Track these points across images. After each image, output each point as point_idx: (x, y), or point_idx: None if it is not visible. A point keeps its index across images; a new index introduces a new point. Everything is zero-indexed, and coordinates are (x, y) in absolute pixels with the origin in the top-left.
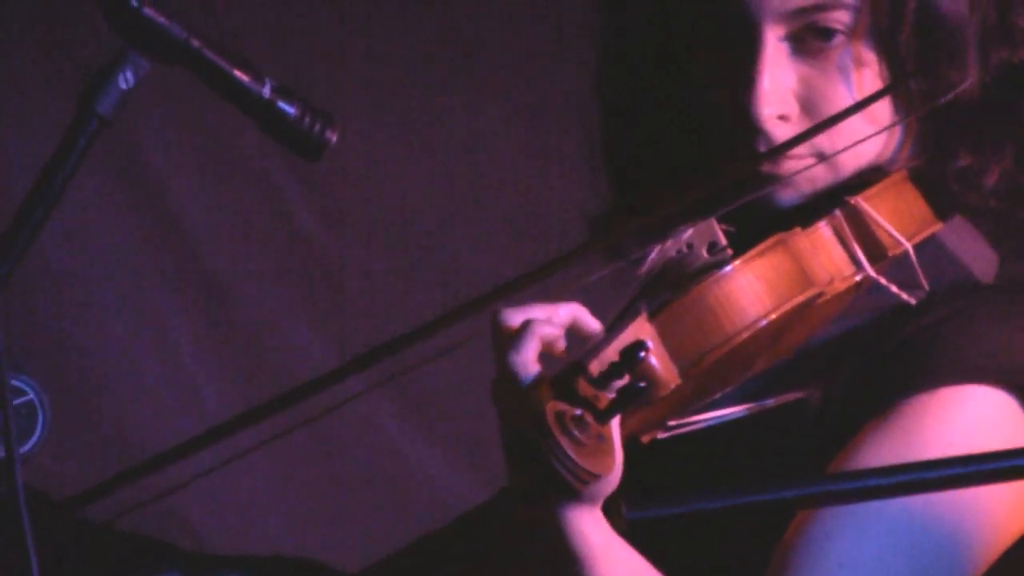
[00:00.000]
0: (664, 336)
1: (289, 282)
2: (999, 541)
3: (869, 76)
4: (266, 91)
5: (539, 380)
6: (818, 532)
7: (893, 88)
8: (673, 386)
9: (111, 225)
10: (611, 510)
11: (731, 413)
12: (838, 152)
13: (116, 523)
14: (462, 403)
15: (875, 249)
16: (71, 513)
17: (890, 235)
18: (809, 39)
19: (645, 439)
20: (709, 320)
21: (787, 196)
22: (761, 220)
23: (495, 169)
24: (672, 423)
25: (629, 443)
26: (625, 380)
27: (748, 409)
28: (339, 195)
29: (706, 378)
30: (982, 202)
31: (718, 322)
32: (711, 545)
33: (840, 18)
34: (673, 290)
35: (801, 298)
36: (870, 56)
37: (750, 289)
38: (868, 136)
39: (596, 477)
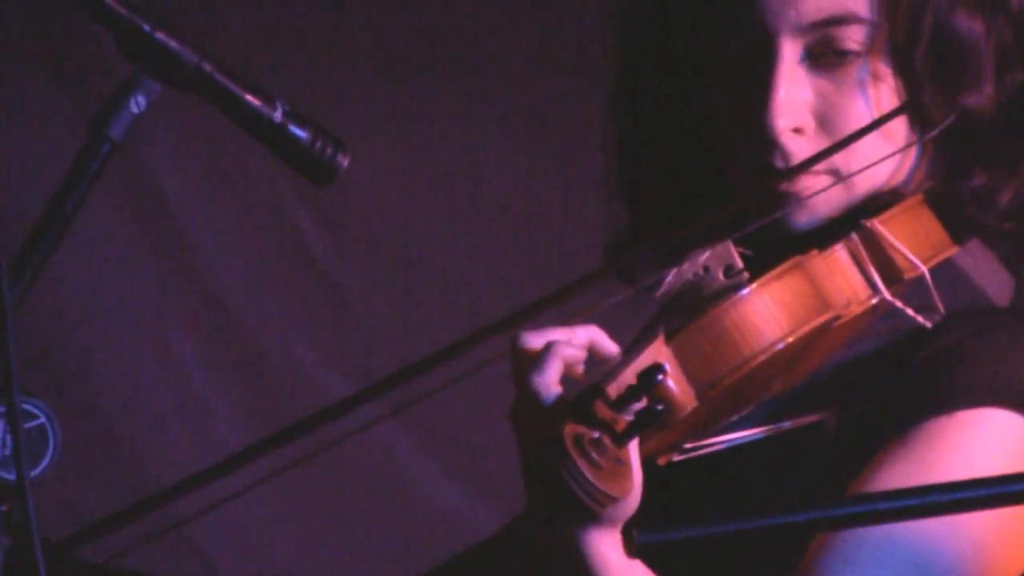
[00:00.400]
0: (681, 359)
1: (298, 306)
2: (1017, 564)
3: (885, 92)
4: (277, 115)
5: (559, 402)
6: (835, 557)
7: (903, 111)
8: (690, 409)
9: (122, 249)
10: (623, 533)
11: (747, 436)
12: (854, 173)
13: (130, 554)
14: (474, 430)
15: (891, 272)
16: (84, 549)
17: (906, 258)
18: (825, 53)
19: (661, 461)
20: (726, 343)
21: (803, 218)
22: (777, 243)
23: (505, 193)
24: (688, 445)
25: (645, 465)
26: (643, 403)
27: (764, 432)
28: (347, 220)
29: (723, 401)
30: (997, 224)
31: (735, 345)
32: (727, 569)
33: (856, 33)
34: (690, 313)
35: (818, 321)
36: (886, 72)
37: (767, 312)
38: (884, 156)
39: (614, 500)
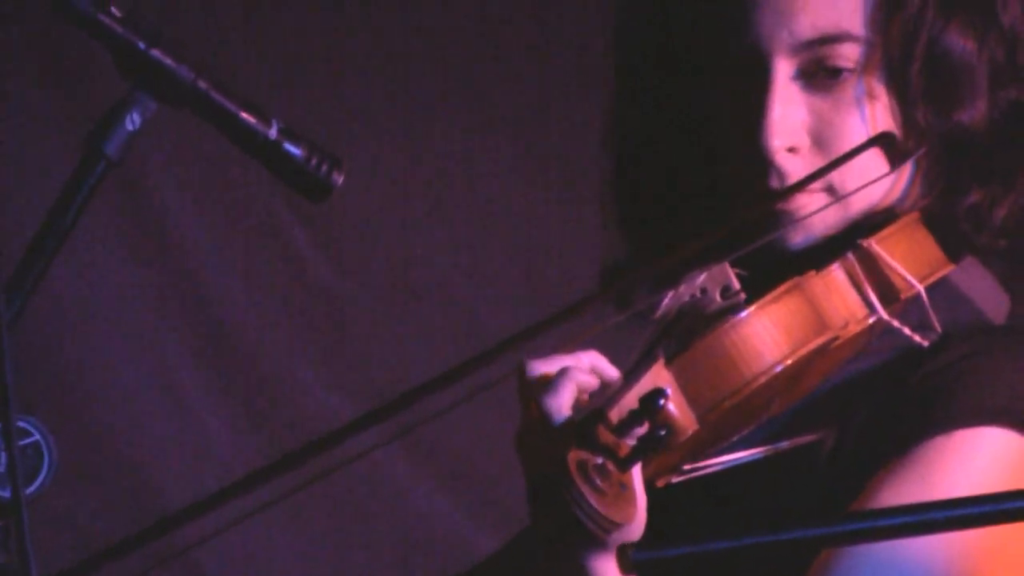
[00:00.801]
0: (681, 382)
1: (296, 324)
2: None
3: (879, 110)
4: (272, 132)
5: (567, 427)
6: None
7: (878, 143)
8: (691, 432)
9: (118, 266)
10: (618, 550)
11: (746, 456)
12: (850, 192)
13: None
14: (474, 451)
15: (888, 292)
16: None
17: (902, 277)
18: (819, 72)
19: (660, 483)
20: (726, 365)
21: (799, 238)
22: (774, 263)
23: (506, 216)
24: (687, 467)
25: (645, 487)
26: (645, 427)
27: (763, 452)
28: (348, 242)
29: (723, 423)
30: (993, 242)
31: (735, 367)
32: None
33: (850, 51)
34: (689, 336)
35: (817, 342)
36: (880, 90)
37: (766, 334)
38: (863, 185)
39: (618, 525)
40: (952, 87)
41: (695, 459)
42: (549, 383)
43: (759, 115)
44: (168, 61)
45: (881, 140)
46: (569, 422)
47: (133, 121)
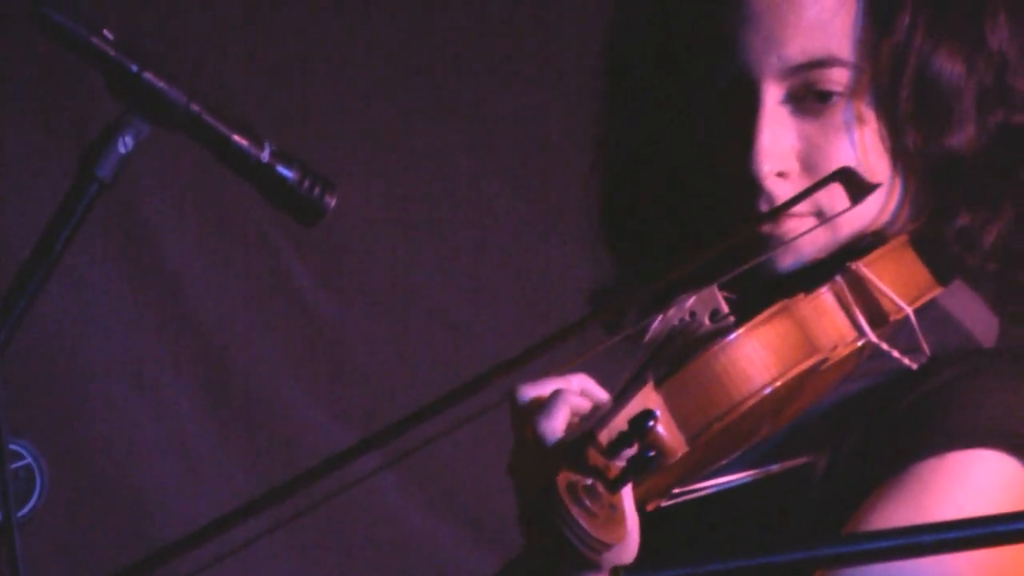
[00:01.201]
0: (671, 405)
1: (290, 348)
2: None
3: (868, 134)
4: (265, 155)
5: (558, 449)
6: None
7: (836, 179)
8: (681, 454)
9: (111, 290)
10: (611, 573)
11: (736, 479)
12: (838, 213)
13: None
14: (469, 477)
15: (877, 314)
16: None
17: (891, 300)
18: (808, 97)
19: (650, 507)
20: (715, 388)
21: (788, 261)
22: (763, 286)
23: (499, 240)
24: (677, 490)
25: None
26: (634, 449)
27: (753, 475)
28: (342, 266)
29: (713, 445)
30: (981, 264)
31: (724, 390)
32: None
33: (839, 76)
34: (678, 359)
35: (806, 365)
36: (869, 114)
37: (755, 356)
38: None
39: (608, 546)
40: (941, 111)
41: (685, 482)
42: (543, 406)
43: (748, 140)
44: (160, 84)
45: (841, 175)
46: (560, 444)
47: (125, 144)
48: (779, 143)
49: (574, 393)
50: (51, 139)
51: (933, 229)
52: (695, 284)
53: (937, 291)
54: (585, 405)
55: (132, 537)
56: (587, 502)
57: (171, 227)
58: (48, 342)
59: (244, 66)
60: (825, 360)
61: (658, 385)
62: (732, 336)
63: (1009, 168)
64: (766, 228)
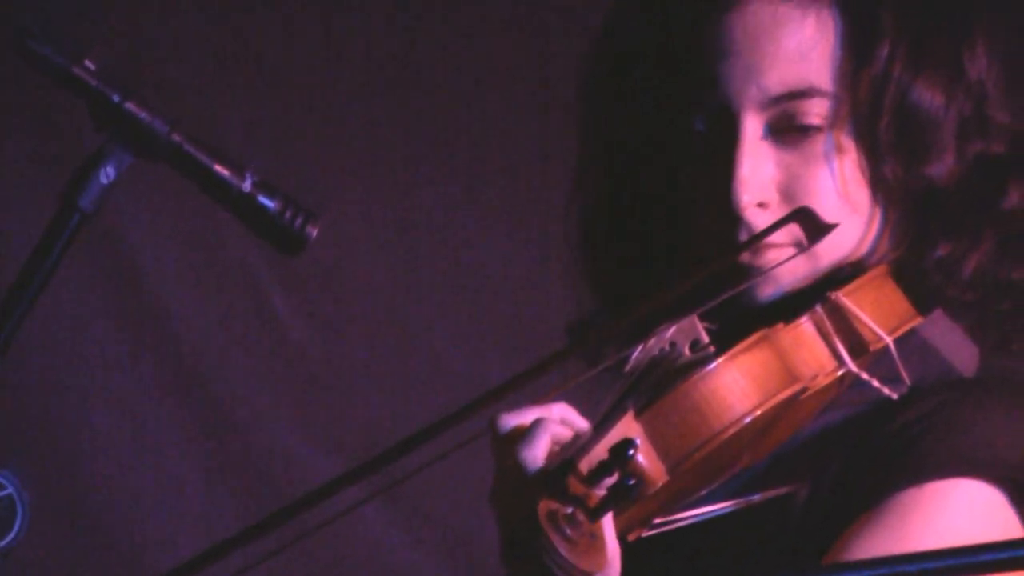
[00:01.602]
0: (651, 434)
1: (273, 383)
2: None
3: (848, 165)
4: (247, 185)
5: (539, 477)
6: None
7: (796, 218)
8: (661, 483)
9: (94, 321)
10: None
11: (717, 509)
12: (820, 237)
13: None
14: (451, 507)
15: (857, 344)
16: None
17: (871, 330)
18: (788, 127)
19: (631, 537)
20: (695, 417)
21: (768, 291)
22: (743, 316)
23: (480, 271)
24: (658, 520)
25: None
26: (615, 478)
27: (734, 505)
28: (324, 296)
29: (693, 475)
30: (961, 294)
31: (704, 419)
32: None
33: (819, 107)
34: (659, 388)
35: (786, 394)
36: (849, 145)
37: (735, 386)
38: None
39: (588, 574)
40: (920, 141)
41: (666, 512)
42: (523, 435)
43: (728, 170)
44: (142, 114)
45: (799, 215)
46: (541, 472)
47: (107, 174)
48: (759, 173)
49: (555, 422)
50: (35, 169)
51: (913, 259)
52: (675, 314)
53: (917, 321)
54: (566, 434)
55: (114, 570)
56: (567, 530)
57: (154, 257)
58: (31, 372)
59: (227, 95)
60: (805, 389)
61: (638, 414)
62: (712, 365)
63: (988, 198)
64: (746, 258)
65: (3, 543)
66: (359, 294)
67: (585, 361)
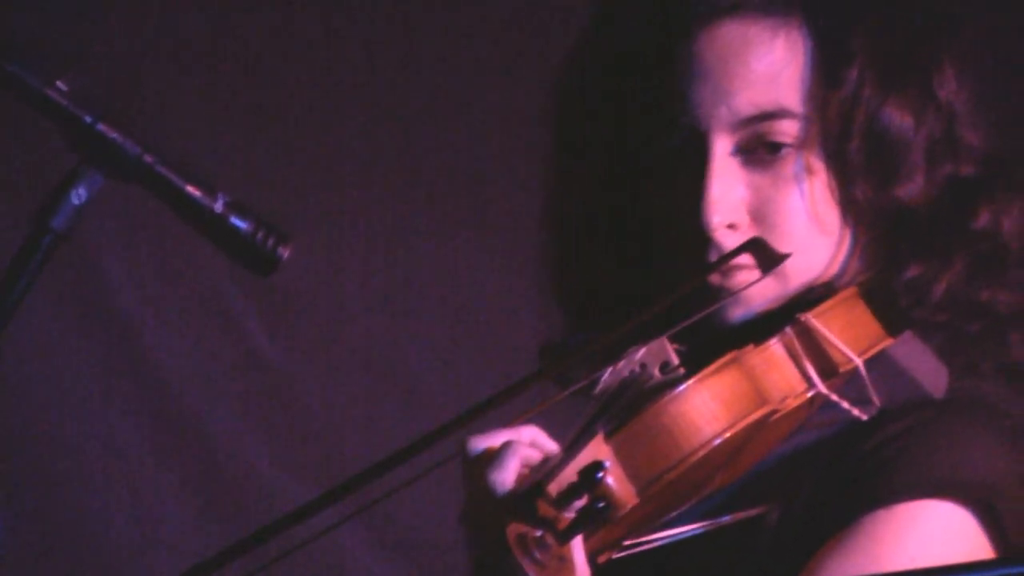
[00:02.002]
0: (621, 456)
1: (245, 404)
2: None
3: (818, 186)
4: (219, 206)
5: (509, 500)
6: None
7: (747, 249)
8: (631, 505)
9: (66, 342)
10: None
11: (688, 531)
12: (752, 282)
13: None
14: (423, 530)
15: (827, 366)
16: None
17: (841, 351)
18: (758, 148)
19: (602, 559)
20: (665, 439)
21: (738, 313)
22: (713, 338)
23: (453, 295)
24: (629, 542)
25: (588, 563)
26: (584, 500)
27: (705, 526)
28: (296, 319)
29: (664, 497)
30: (931, 315)
31: (674, 441)
32: None
33: (789, 128)
34: (628, 411)
35: (755, 416)
36: (819, 166)
37: (705, 408)
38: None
39: None
40: (890, 163)
41: (637, 534)
42: (493, 457)
43: (698, 192)
44: (114, 135)
45: (751, 245)
46: (510, 495)
47: (80, 195)
48: (729, 195)
49: (524, 445)
50: (7, 189)
51: (883, 280)
52: (645, 336)
53: (887, 342)
54: (536, 456)
55: None
56: (536, 553)
57: (127, 278)
58: (3, 392)
59: (199, 116)
60: (775, 412)
61: (608, 437)
62: (681, 388)
63: (958, 219)
64: (716, 279)
65: None
66: (331, 315)
67: (556, 383)
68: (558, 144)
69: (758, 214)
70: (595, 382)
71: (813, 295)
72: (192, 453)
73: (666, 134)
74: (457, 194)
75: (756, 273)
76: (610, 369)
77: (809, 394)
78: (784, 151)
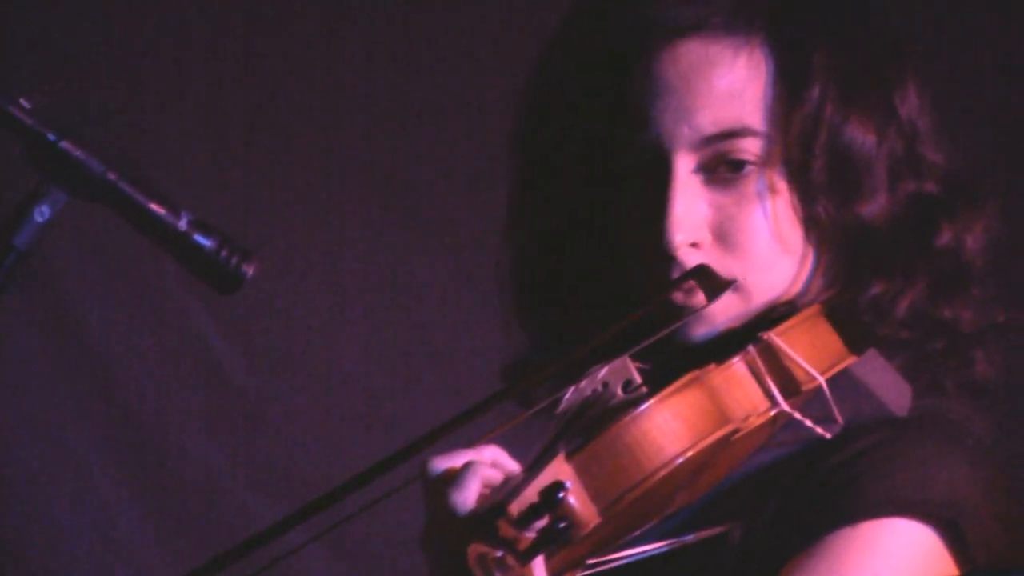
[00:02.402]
0: (583, 476)
1: (211, 423)
2: None
3: (781, 204)
4: (182, 224)
5: (466, 521)
6: None
7: (694, 275)
8: (593, 525)
9: (29, 362)
10: None
11: (651, 549)
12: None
13: None
14: (387, 551)
15: (789, 384)
16: None
17: (804, 370)
18: (721, 167)
19: None
20: (627, 459)
21: (701, 331)
22: (676, 356)
23: (417, 314)
24: (591, 561)
25: None
26: (546, 521)
27: (668, 545)
28: (261, 338)
29: (626, 516)
30: (894, 333)
31: (636, 461)
32: None
33: (751, 146)
34: (590, 430)
35: (718, 435)
36: (782, 184)
37: (667, 427)
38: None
39: None
40: (852, 181)
41: (600, 553)
42: (454, 477)
43: (661, 210)
44: (77, 153)
45: (696, 273)
46: (471, 515)
47: (43, 212)
48: (692, 213)
49: (486, 465)
50: None
51: (846, 299)
52: (608, 355)
53: (850, 360)
54: (497, 477)
55: None
56: (497, 574)
57: (91, 296)
58: None
59: (162, 135)
60: (737, 430)
61: (570, 456)
62: (643, 407)
63: (921, 237)
64: (678, 298)
65: None
66: (294, 333)
67: (519, 403)
68: (521, 161)
69: (720, 232)
70: (557, 401)
71: (776, 313)
72: (156, 471)
73: (628, 152)
74: (420, 213)
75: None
76: (573, 388)
77: (772, 412)
78: (746, 169)
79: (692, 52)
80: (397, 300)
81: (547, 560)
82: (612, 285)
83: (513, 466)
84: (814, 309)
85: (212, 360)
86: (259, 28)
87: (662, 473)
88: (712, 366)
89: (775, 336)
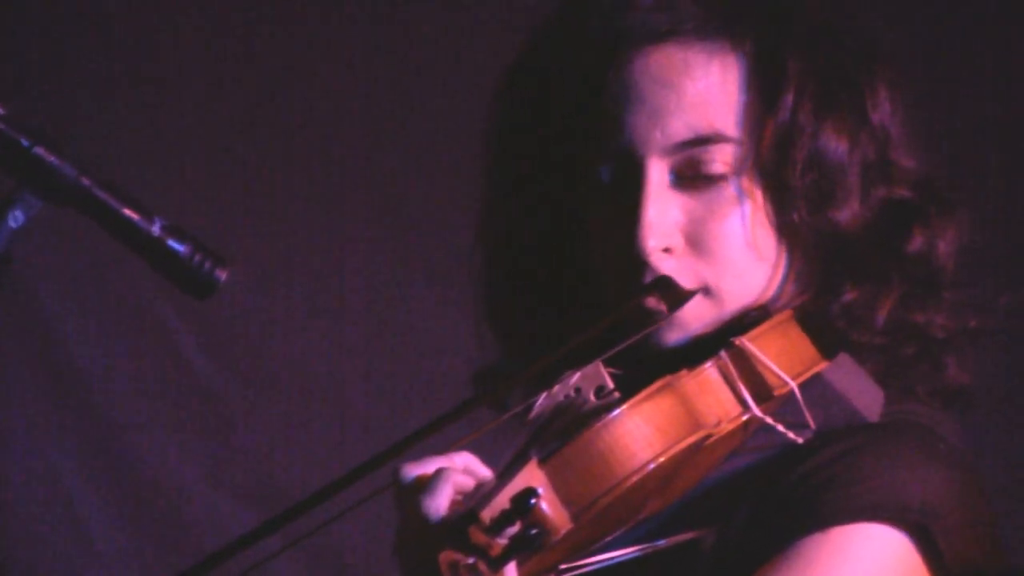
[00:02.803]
0: (555, 482)
1: (183, 428)
2: None
3: (754, 210)
4: (156, 229)
5: (438, 528)
6: None
7: (662, 287)
8: (565, 531)
9: (2, 370)
10: None
11: (623, 555)
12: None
13: None
14: (359, 558)
15: (761, 389)
16: None
17: (776, 375)
18: (693, 172)
19: None
20: (599, 465)
21: (674, 336)
22: (648, 361)
23: (389, 322)
24: (564, 567)
25: None
26: (517, 527)
27: (640, 550)
28: (234, 343)
29: (598, 522)
30: (867, 339)
31: (608, 466)
32: None
33: (724, 152)
34: (563, 436)
35: (690, 440)
36: (755, 190)
37: (638, 433)
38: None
39: None
40: (825, 186)
41: (572, 559)
42: (426, 484)
43: (634, 216)
44: (51, 158)
45: (659, 284)
46: (443, 522)
47: (16, 218)
48: (664, 219)
49: (458, 471)
50: None
51: (818, 304)
52: (580, 360)
53: (822, 366)
54: (469, 483)
55: None
56: None
57: (64, 303)
58: None
59: (137, 141)
60: (709, 436)
61: (542, 462)
62: (615, 413)
63: (893, 243)
64: (651, 303)
65: None
66: (267, 339)
67: (491, 409)
68: (492, 168)
69: (693, 238)
70: (530, 407)
71: (748, 319)
72: (130, 478)
73: (601, 158)
74: (391, 219)
75: (696, 298)
76: (545, 394)
77: (744, 418)
78: (719, 175)
79: (665, 58)
80: (371, 308)
81: (519, 566)
82: (584, 291)
83: (485, 472)
84: (786, 314)
85: (184, 364)
86: (254, 31)
87: (634, 479)
88: (684, 372)
89: (747, 341)
